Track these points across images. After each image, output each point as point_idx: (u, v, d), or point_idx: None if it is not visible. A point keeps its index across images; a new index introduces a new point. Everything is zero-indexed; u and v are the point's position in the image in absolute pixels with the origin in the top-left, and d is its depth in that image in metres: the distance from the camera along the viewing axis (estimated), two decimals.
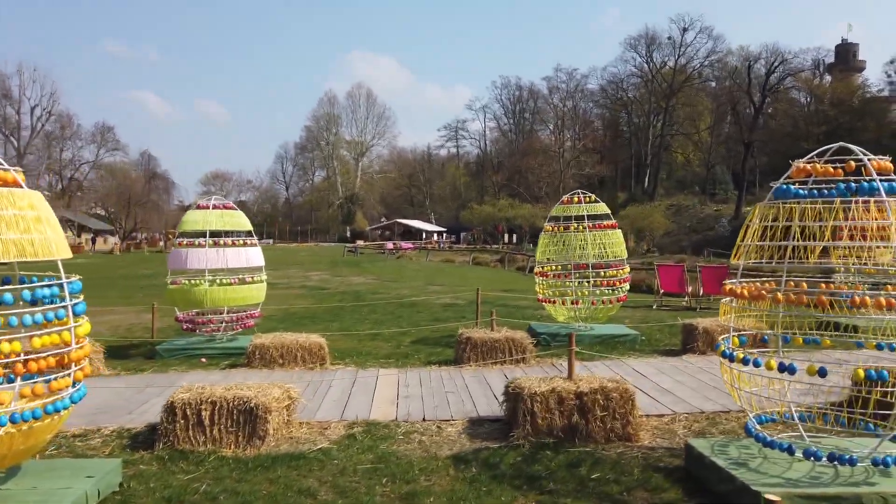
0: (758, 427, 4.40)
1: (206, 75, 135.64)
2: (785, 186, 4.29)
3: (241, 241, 9.27)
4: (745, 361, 4.20)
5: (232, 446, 5.07)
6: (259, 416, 5.16)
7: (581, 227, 9.49)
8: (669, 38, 65.25)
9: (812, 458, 4.01)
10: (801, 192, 4.29)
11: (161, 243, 65.79)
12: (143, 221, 65.29)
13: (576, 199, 9.71)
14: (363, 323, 12.35)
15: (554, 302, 9.66)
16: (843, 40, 77.36)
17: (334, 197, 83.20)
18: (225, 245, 9.01)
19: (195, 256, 8.86)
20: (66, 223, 63.93)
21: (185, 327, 9.24)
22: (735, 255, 4.49)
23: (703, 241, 47.74)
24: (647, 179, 66.37)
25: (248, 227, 9.51)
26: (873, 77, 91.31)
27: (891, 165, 4.12)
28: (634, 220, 44.66)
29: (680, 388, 7.01)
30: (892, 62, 78.91)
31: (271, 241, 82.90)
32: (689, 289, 13.82)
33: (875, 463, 3.92)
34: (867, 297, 3.86)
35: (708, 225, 52.91)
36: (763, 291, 4.21)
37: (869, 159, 4.11)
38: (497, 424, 5.72)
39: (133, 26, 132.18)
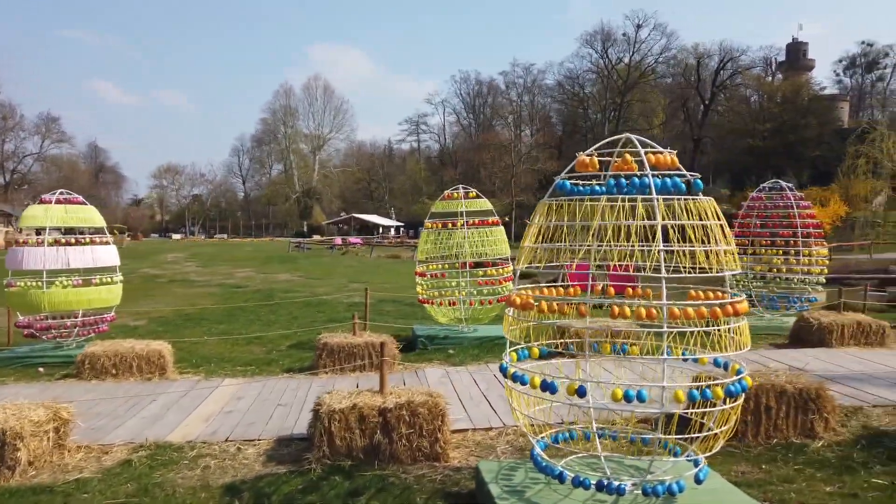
0: (539, 450, 3.94)
1: (166, 65, 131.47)
2: (562, 182, 3.82)
3: (88, 240, 8.51)
4: (514, 378, 3.72)
5: None
6: (7, 442, 4.49)
7: (460, 224, 9.00)
8: (624, 34, 65.64)
9: (580, 486, 3.57)
10: (580, 188, 3.84)
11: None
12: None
13: (456, 194, 9.21)
14: (253, 325, 11.68)
15: (432, 303, 9.16)
16: (793, 39, 79.01)
17: (291, 191, 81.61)
18: (67, 244, 8.23)
19: (32, 256, 8.07)
20: (4, 217, 61.22)
21: (25, 333, 8.44)
22: (518, 259, 4.01)
23: None
24: (602, 175, 66.78)
25: (100, 223, 8.74)
26: (821, 76, 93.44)
27: (670, 159, 3.68)
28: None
29: None
30: (840, 61, 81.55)
31: (225, 235, 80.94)
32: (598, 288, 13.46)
33: (645, 492, 3.49)
34: (626, 308, 3.42)
35: None
36: (531, 300, 3.74)
37: (647, 152, 3.66)
38: (304, 444, 5.17)
39: (89, 12, 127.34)
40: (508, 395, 3.93)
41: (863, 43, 73.48)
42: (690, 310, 3.41)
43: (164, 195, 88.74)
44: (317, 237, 65.65)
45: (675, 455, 4.04)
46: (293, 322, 11.81)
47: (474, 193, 9.20)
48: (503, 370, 3.80)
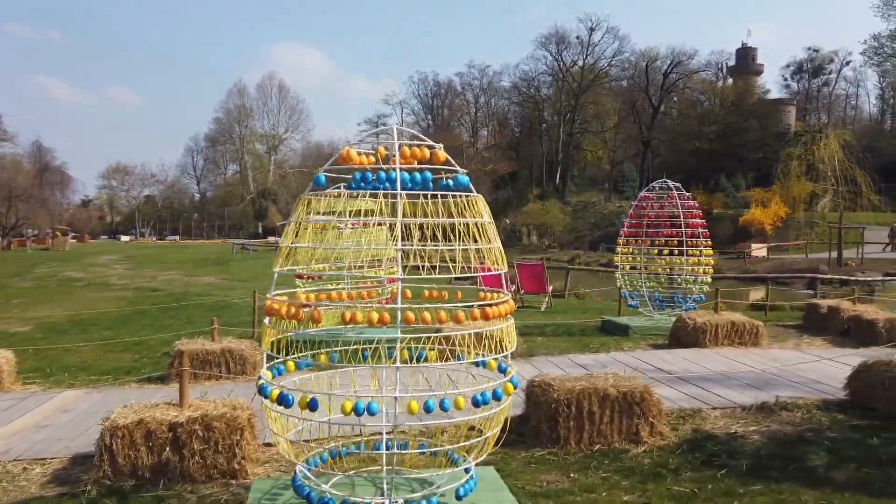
0: (304, 471, 3.66)
1: (118, 61, 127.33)
2: (317, 176, 3.56)
3: None
4: (280, 399, 3.36)
5: None
6: None
7: (341, 225, 8.67)
8: (578, 37, 66.26)
9: None
10: (355, 183, 3.58)
11: (50, 241, 61.25)
12: (26, 218, 60.24)
13: (336, 193, 8.87)
14: (144, 330, 11.16)
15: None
16: (742, 44, 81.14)
17: (246, 192, 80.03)
18: None
19: None
20: None
21: None
22: (278, 262, 3.73)
23: (603, 236, 48.66)
24: (557, 176, 67.34)
25: None
26: (770, 80, 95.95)
27: (428, 154, 3.45)
28: (535, 217, 44.98)
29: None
30: (788, 66, 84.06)
31: (177, 237, 78.82)
32: (513, 287, 13.36)
33: None
34: (358, 312, 3.17)
35: (610, 221, 54.11)
36: (293, 307, 3.45)
37: (402, 145, 3.43)
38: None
39: (34, 4, 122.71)
40: (268, 417, 3.58)
41: (809, 49, 75.86)
42: (427, 314, 3.18)
43: (114, 196, 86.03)
44: (271, 238, 64.43)
45: (454, 463, 3.82)
46: (187, 326, 11.31)
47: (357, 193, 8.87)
48: (263, 392, 3.43)
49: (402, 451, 3.64)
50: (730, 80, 70.33)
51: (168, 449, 4.43)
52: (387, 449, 3.73)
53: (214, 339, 7.54)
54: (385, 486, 3.74)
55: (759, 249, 36.72)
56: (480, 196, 3.72)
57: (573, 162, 69.51)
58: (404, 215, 3.48)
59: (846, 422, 5.41)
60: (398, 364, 3.28)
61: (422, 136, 3.66)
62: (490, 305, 3.40)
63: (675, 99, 62.93)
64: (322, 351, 4.05)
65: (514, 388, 3.59)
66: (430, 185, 3.32)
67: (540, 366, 7.35)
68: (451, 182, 3.43)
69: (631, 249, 9.96)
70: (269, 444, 5.02)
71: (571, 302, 15.85)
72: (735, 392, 6.20)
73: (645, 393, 5.07)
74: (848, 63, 70.87)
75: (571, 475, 4.51)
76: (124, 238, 74.21)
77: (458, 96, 77.68)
